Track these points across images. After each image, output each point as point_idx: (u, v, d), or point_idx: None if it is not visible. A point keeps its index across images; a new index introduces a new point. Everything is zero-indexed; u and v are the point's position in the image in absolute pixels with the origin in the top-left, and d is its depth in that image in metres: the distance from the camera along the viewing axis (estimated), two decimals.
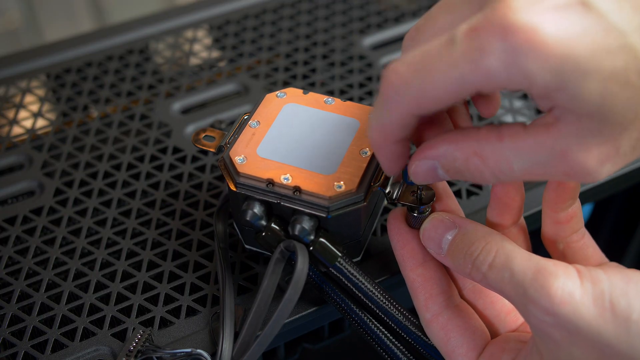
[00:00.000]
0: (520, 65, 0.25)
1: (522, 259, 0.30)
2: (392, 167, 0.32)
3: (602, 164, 0.27)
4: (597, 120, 0.26)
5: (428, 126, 0.33)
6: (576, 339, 0.28)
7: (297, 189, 0.35)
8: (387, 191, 0.37)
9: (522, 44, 0.25)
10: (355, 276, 0.36)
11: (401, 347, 0.37)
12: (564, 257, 0.35)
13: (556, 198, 0.33)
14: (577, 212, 0.34)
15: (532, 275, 0.29)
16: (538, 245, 0.37)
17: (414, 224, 0.36)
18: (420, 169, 0.31)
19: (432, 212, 0.36)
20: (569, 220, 0.34)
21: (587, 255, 0.35)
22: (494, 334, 0.36)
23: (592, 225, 0.60)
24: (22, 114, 0.52)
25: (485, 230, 0.33)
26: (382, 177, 0.37)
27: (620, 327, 0.27)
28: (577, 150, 0.27)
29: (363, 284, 0.36)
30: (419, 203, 0.36)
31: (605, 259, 0.35)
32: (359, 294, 0.36)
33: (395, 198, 0.37)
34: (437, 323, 0.35)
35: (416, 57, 0.28)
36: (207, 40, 0.59)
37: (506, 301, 0.36)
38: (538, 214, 0.43)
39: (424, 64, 0.27)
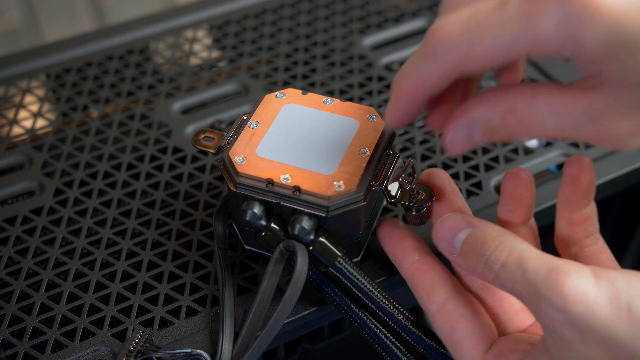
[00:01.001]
0: (574, 32, 0.25)
1: (535, 258, 0.30)
2: (399, 122, 0.32)
3: (635, 134, 0.27)
4: (636, 88, 0.26)
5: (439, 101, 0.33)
6: (588, 338, 0.28)
7: (296, 189, 0.35)
8: (386, 190, 0.37)
9: (579, 10, 0.24)
10: (355, 276, 0.36)
11: (401, 347, 0.37)
12: (577, 261, 0.35)
13: (570, 196, 0.33)
14: (592, 215, 0.34)
15: (545, 274, 0.29)
16: (550, 248, 0.37)
17: (414, 221, 0.36)
18: (456, 138, 0.31)
19: (431, 208, 0.36)
20: (583, 222, 0.34)
21: (600, 260, 0.35)
22: (501, 333, 0.36)
23: None
24: (22, 114, 0.52)
25: (499, 230, 0.32)
26: (382, 177, 0.37)
27: (636, 329, 0.27)
28: (612, 117, 0.27)
29: (363, 283, 0.36)
30: (418, 203, 0.36)
31: (618, 266, 0.35)
32: (359, 294, 0.36)
33: (394, 197, 0.37)
34: (443, 313, 0.34)
35: (467, 14, 0.27)
36: (207, 40, 0.59)
37: (514, 300, 0.36)
38: (547, 210, 0.43)
39: (474, 23, 0.27)
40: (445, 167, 0.46)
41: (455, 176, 0.46)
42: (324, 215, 0.35)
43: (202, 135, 0.39)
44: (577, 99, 0.27)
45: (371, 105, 0.50)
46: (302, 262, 0.34)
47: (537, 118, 0.28)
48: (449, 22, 0.28)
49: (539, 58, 0.27)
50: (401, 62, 0.55)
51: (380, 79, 0.53)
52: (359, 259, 0.40)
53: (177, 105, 0.52)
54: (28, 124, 0.51)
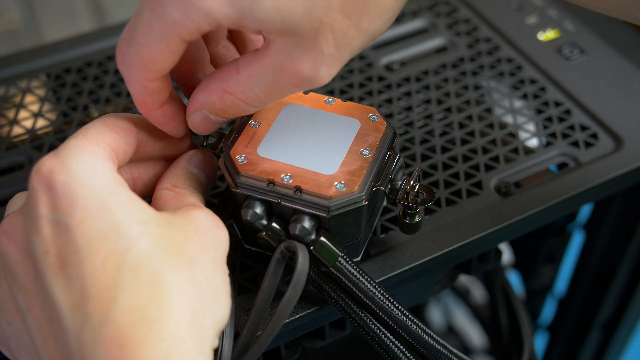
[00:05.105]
0: (196, 7, 0.28)
1: None
2: (174, 128, 0.35)
3: (316, 69, 0.30)
4: (290, 34, 0.29)
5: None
6: None
7: (297, 189, 0.35)
8: (387, 191, 0.37)
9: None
10: (355, 276, 0.36)
11: (401, 347, 0.37)
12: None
13: None
14: None
15: None
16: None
17: (407, 229, 0.38)
18: (196, 122, 0.34)
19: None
20: None
21: None
22: None
23: (592, 225, 0.60)
24: (22, 114, 0.52)
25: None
26: (383, 177, 0.37)
27: None
28: (289, 62, 0.30)
29: (363, 283, 0.36)
30: (419, 203, 0.36)
31: None
32: (360, 294, 0.36)
33: (395, 197, 0.37)
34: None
35: (124, 33, 0.31)
36: None
37: None
38: (547, 210, 0.43)
39: (130, 35, 0.31)
40: (445, 166, 0.46)
41: (455, 176, 0.46)
42: (325, 215, 0.35)
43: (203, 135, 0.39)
44: (263, 61, 0.31)
45: (371, 105, 0.50)
46: (302, 262, 0.34)
47: (246, 90, 0.32)
48: (119, 43, 0.32)
49: (201, 37, 0.33)
50: (401, 62, 0.55)
51: (380, 79, 0.53)
52: (359, 259, 0.40)
53: None
54: (28, 124, 0.51)
